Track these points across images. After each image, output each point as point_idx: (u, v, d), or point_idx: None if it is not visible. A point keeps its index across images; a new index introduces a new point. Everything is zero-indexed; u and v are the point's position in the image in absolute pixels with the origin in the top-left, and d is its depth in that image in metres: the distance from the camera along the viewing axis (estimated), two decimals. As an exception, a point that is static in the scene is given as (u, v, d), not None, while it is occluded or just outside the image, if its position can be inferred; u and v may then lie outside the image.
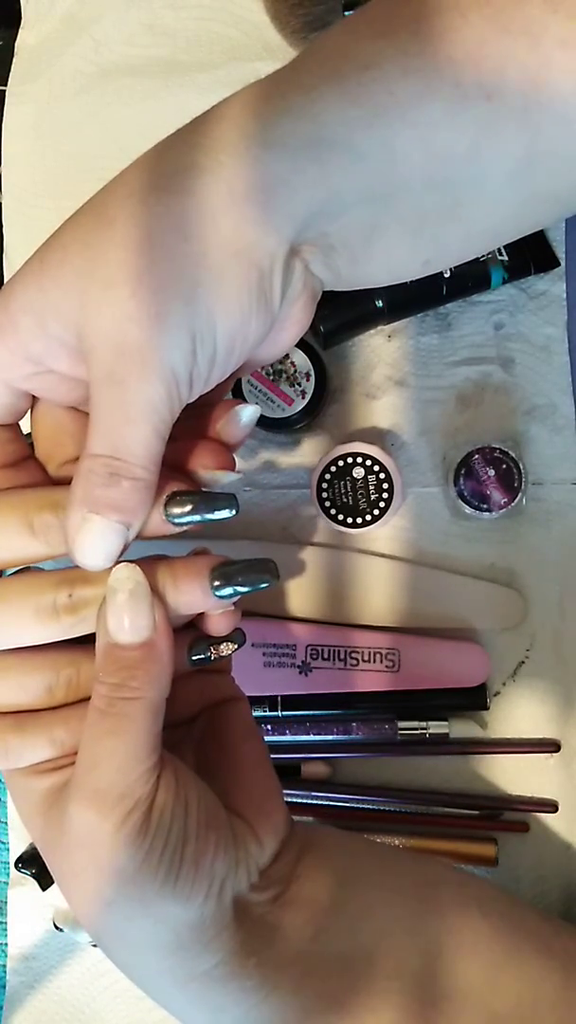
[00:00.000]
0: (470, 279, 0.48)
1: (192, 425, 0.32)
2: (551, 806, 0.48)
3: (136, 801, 0.28)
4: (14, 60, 0.56)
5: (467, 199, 0.28)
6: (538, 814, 0.48)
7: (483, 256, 0.48)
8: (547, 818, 0.48)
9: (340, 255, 0.29)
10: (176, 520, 0.29)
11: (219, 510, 0.29)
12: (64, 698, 0.30)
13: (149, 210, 0.26)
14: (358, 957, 0.30)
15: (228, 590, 0.29)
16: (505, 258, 0.48)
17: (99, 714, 0.28)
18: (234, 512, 0.29)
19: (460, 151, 0.27)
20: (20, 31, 0.56)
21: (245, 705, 0.35)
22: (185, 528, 0.29)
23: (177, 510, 0.29)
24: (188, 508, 0.29)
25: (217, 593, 0.29)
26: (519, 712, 0.49)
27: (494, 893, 0.35)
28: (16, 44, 0.56)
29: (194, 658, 0.31)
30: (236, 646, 0.31)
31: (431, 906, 0.32)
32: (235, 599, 0.30)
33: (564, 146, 0.27)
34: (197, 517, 0.29)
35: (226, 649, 0.31)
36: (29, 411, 0.32)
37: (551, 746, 0.49)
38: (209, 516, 0.29)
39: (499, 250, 0.48)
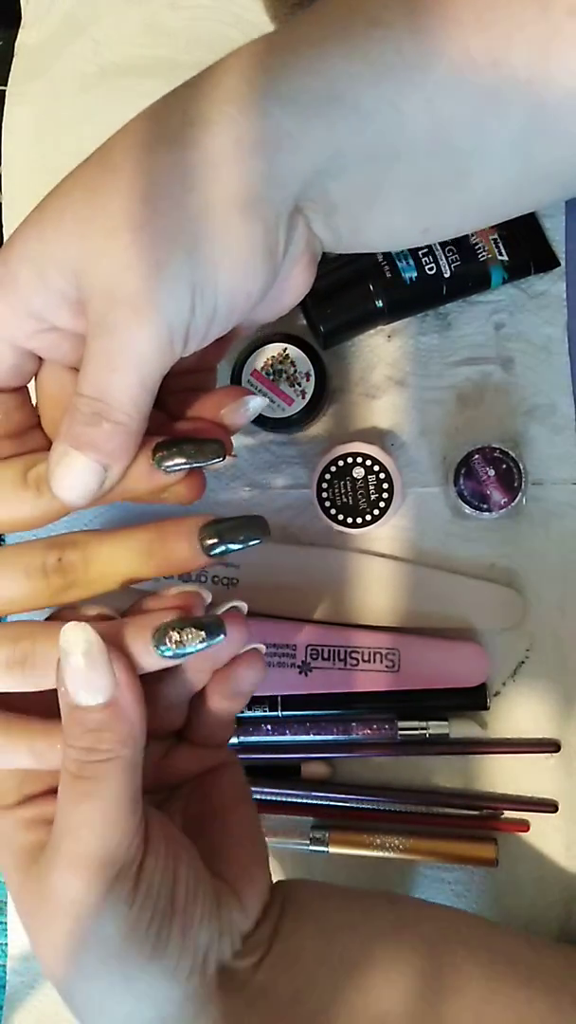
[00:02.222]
0: (470, 279, 0.48)
1: (192, 404, 0.31)
2: (551, 806, 0.48)
3: (121, 867, 0.26)
4: (14, 60, 0.56)
5: (468, 168, 0.28)
6: (538, 814, 0.48)
7: (483, 255, 0.48)
8: (547, 818, 0.48)
9: (342, 216, 0.29)
10: (165, 465, 0.28)
11: (209, 453, 0.28)
12: (20, 666, 0.28)
13: (155, 159, 0.26)
14: (340, 1013, 0.29)
15: (220, 548, 0.28)
16: (505, 258, 0.48)
17: (71, 778, 0.26)
18: (222, 458, 0.29)
19: (464, 118, 0.26)
20: (20, 31, 0.56)
21: (238, 770, 0.33)
22: (174, 476, 0.29)
23: (164, 453, 0.28)
24: (175, 451, 0.28)
25: (210, 552, 0.28)
26: (519, 712, 0.49)
27: (474, 922, 0.34)
28: (16, 44, 0.56)
29: (165, 654, 0.27)
30: (204, 634, 0.27)
31: (413, 949, 0.31)
32: (225, 557, 0.28)
33: (566, 120, 0.26)
34: (184, 461, 0.28)
35: (190, 639, 0.27)
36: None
37: (551, 746, 0.49)
38: (198, 460, 0.28)
39: (499, 249, 0.48)
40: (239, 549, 0.28)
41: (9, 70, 0.56)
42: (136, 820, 0.27)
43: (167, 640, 0.27)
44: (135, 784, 0.27)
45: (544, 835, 0.48)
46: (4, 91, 0.56)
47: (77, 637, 0.26)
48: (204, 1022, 0.27)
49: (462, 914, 0.35)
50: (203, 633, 0.27)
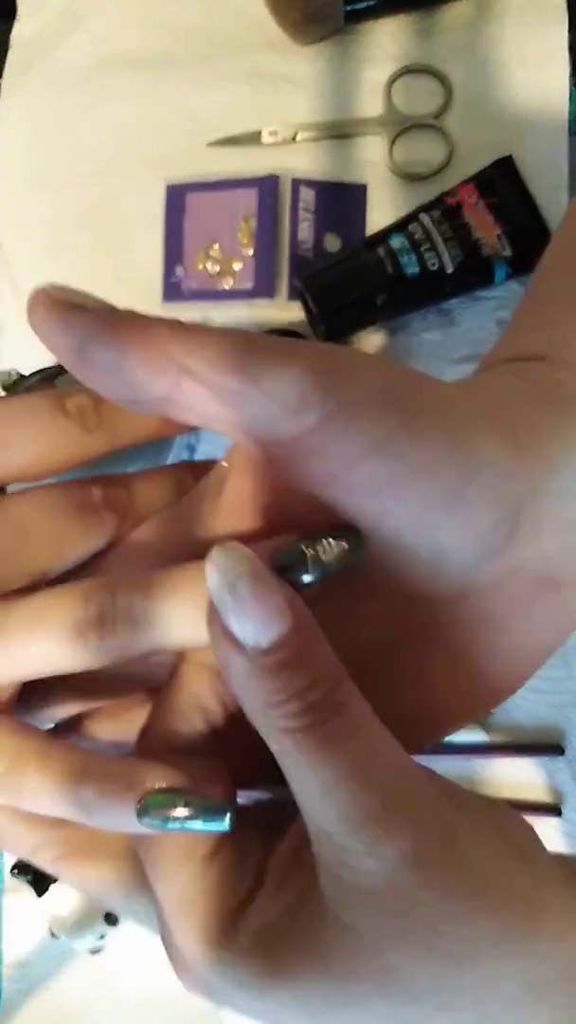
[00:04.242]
0: (473, 275, 0.47)
1: None
2: (554, 809, 0.48)
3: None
4: (9, 52, 0.55)
5: None
6: (541, 817, 0.48)
7: (486, 251, 0.47)
8: (550, 821, 0.48)
9: None
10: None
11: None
12: (99, 627, 0.21)
13: None
14: None
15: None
16: (508, 253, 0.47)
17: (307, 730, 0.19)
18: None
19: None
20: (15, 23, 0.56)
21: None
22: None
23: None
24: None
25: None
26: (522, 715, 0.48)
27: None
28: (11, 36, 0.55)
29: (304, 580, 0.20)
30: (346, 544, 0.20)
31: None
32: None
33: None
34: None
35: (331, 553, 0.20)
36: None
37: (554, 748, 0.48)
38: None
39: (502, 245, 0.47)
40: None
41: (4, 62, 0.55)
42: None
43: (304, 560, 0.20)
44: None
45: (547, 838, 0.48)
46: (-1, 83, 0.55)
47: (238, 559, 0.19)
48: None
49: None
50: (344, 543, 0.20)
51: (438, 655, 0.21)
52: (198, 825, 0.20)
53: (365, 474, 0.19)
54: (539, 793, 0.48)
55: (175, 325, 0.19)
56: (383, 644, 0.21)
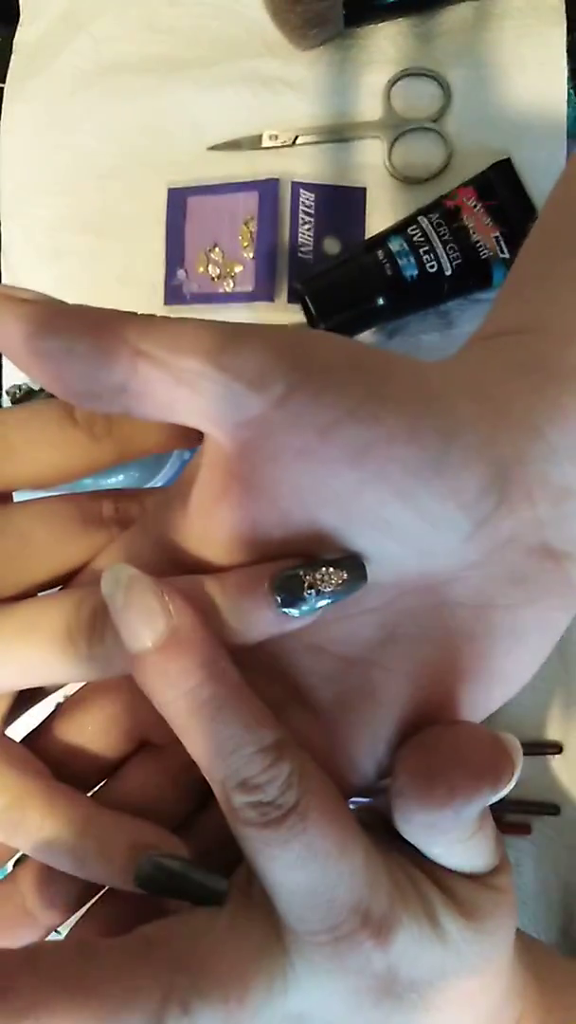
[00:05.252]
0: (471, 277, 0.48)
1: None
2: (553, 808, 0.48)
3: None
4: (12, 57, 0.56)
5: None
6: (540, 816, 0.48)
7: (484, 253, 0.47)
8: (549, 820, 0.48)
9: None
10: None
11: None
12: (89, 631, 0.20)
13: None
14: None
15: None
16: (507, 255, 0.47)
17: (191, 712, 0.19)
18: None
19: None
20: (18, 28, 0.56)
21: None
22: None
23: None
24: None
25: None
26: (521, 714, 0.49)
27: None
28: (14, 41, 0.56)
29: (286, 610, 0.19)
30: (345, 575, 0.19)
31: None
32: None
33: None
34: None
35: (329, 583, 0.19)
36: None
37: (553, 748, 0.48)
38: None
39: (500, 247, 0.48)
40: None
41: (7, 67, 0.56)
42: None
43: (301, 588, 0.19)
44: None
45: (546, 837, 0.48)
46: (2, 88, 0.56)
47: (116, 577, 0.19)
48: None
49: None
50: (344, 573, 0.19)
51: (443, 642, 0.21)
52: (188, 899, 0.20)
53: (340, 442, 0.18)
54: (539, 793, 0.48)
55: (127, 312, 0.18)
56: (385, 637, 0.21)
